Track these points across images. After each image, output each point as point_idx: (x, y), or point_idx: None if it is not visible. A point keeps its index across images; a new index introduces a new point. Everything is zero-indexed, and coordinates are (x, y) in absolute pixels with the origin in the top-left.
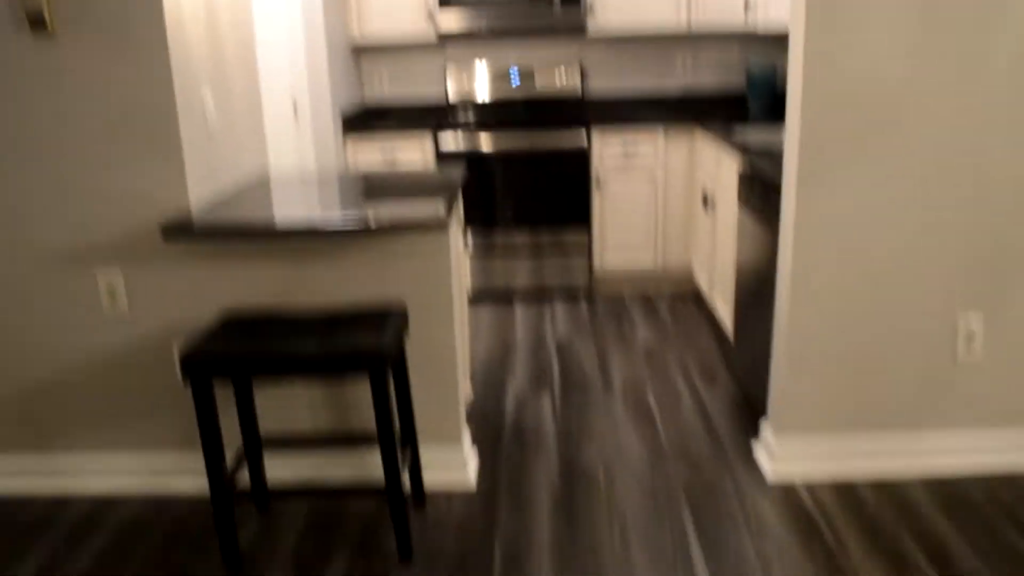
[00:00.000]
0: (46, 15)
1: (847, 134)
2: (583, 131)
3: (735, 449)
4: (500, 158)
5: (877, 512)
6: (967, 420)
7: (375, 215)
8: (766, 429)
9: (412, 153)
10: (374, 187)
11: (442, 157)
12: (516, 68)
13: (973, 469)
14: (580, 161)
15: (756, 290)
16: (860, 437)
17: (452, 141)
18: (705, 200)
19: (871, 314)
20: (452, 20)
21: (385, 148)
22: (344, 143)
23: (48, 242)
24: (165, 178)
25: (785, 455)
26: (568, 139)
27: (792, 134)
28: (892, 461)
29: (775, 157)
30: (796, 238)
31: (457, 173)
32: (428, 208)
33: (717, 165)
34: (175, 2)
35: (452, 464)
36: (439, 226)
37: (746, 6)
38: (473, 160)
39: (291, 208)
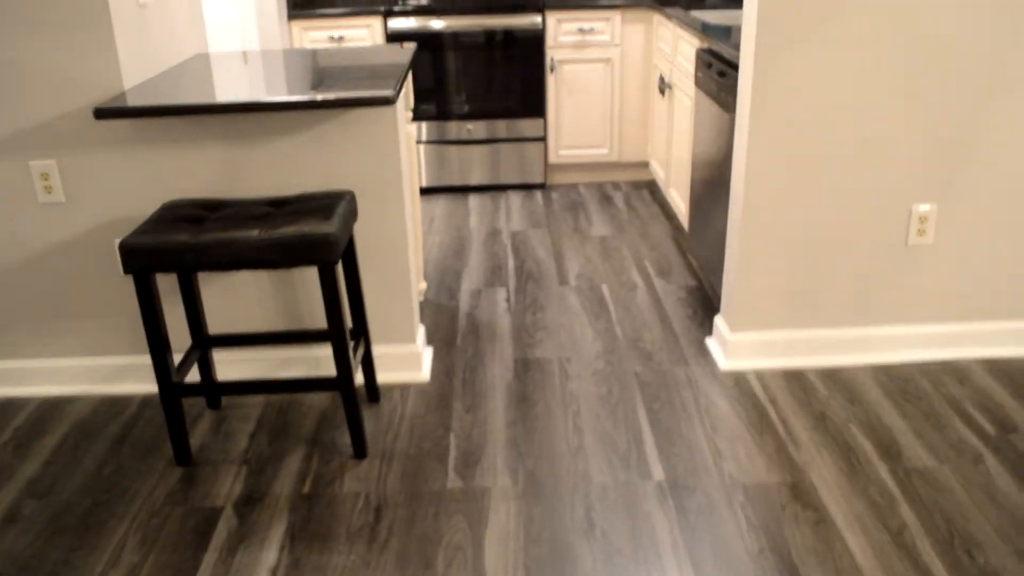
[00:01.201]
0: None
1: (806, 10)
2: (538, 15)
3: (689, 341)
4: (453, 41)
5: (827, 401)
6: (918, 315)
7: (320, 92)
8: (719, 322)
9: (361, 35)
10: (320, 65)
11: (392, 39)
12: None
13: (921, 359)
14: (534, 45)
15: (712, 179)
16: (812, 332)
17: (403, 24)
18: (662, 85)
19: (826, 204)
20: None
21: (332, 31)
22: (289, 25)
23: None
24: (96, 59)
25: (738, 347)
26: (523, 21)
27: (750, 9)
28: (843, 353)
29: (734, 37)
30: (752, 123)
31: (407, 52)
32: (376, 85)
33: (675, 48)
34: None
35: (406, 359)
36: (386, 103)
37: None
38: (425, 43)
39: (231, 88)
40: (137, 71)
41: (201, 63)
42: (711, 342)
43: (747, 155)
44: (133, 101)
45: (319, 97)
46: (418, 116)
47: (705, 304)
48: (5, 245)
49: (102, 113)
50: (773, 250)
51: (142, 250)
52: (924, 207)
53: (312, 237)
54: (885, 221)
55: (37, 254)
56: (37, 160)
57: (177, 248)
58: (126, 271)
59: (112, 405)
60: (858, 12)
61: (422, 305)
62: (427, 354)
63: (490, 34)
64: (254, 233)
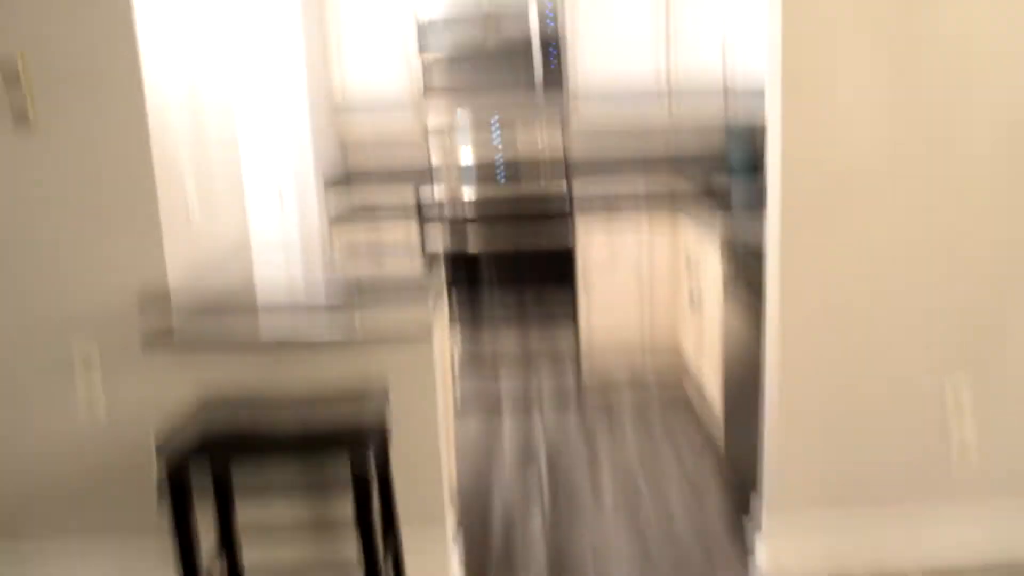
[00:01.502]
0: (29, 110)
1: (826, 203)
2: (569, 224)
3: (728, 546)
4: (487, 257)
5: None
6: (962, 493)
7: (359, 324)
8: (759, 515)
9: (397, 240)
10: (357, 288)
11: (427, 246)
12: (500, 154)
13: (972, 556)
14: (565, 259)
15: (745, 384)
16: (857, 531)
17: (438, 236)
18: (691, 292)
19: (858, 386)
20: (436, 105)
21: (371, 232)
22: (330, 228)
23: (23, 328)
24: (146, 270)
25: (778, 542)
26: (553, 232)
27: (773, 206)
28: (889, 547)
29: (758, 232)
30: (781, 313)
31: (442, 281)
32: (413, 316)
33: (700, 250)
34: (159, 105)
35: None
36: (423, 336)
37: (724, 61)
38: (459, 256)
39: (275, 310)
40: (184, 282)
41: (247, 282)
42: (752, 541)
43: (778, 344)
44: (179, 328)
45: (360, 335)
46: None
47: (743, 513)
48: (43, 439)
49: (151, 342)
50: (810, 455)
51: (179, 450)
52: (960, 384)
53: (347, 431)
54: (923, 396)
55: (72, 449)
56: (82, 371)
57: (217, 438)
58: (160, 464)
59: None
60: (873, 199)
61: (455, 528)
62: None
63: (523, 251)
64: (293, 429)
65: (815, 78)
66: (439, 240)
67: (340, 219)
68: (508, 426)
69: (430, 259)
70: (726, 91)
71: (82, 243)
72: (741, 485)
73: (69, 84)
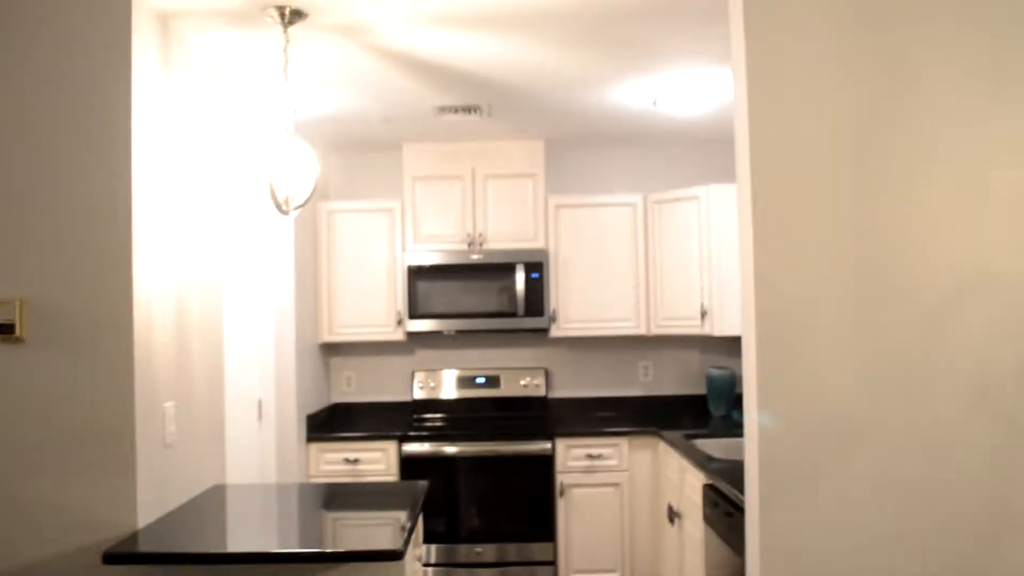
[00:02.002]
0: (16, 322)
1: (809, 457)
2: (548, 441)
3: None
4: (465, 466)
5: None
6: None
7: (330, 542)
8: None
9: (376, 457)
10: (333, 503)
11: (406, 463)
12: (483, 375)
13: None
14: (545, 470)
15: None
16: None
17: (416, 449)
18: (671, 514)
19: None
20: (421, 325)
21: (349, 453)
22: (307, 447)
23: None
24: (115, 496)
25: None
26: (533, 447)
27: (751, 461)
28: None
29: (738, 472)
30: (764, 568)
31: (419, 490)
32: (386, 535)
33: (681, 477)
34: (146, 319)
35: None
36: (394, 558)
37: (702, 313)
38: (437, 467)
39: (244, 530)
40: (154, 507)
41: (217, 497)
42: None
43: None
44: (145, 543)
45: (328, 550)
46: (427, 538)
47: None
48: None
49: (111, 559)
50: None
51: None
52: None
53: None
54: None
55: None
56: None
57: None
58: None
59: None
60: (853, 456)
61: None
62: None
63: (501, 459)
64: None
65: (789, 324)
66: (418, 447)
67: (318, 438)
68: None
69: (408, 465)
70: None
71: (49, 477)
72: None
73: (63, 320)
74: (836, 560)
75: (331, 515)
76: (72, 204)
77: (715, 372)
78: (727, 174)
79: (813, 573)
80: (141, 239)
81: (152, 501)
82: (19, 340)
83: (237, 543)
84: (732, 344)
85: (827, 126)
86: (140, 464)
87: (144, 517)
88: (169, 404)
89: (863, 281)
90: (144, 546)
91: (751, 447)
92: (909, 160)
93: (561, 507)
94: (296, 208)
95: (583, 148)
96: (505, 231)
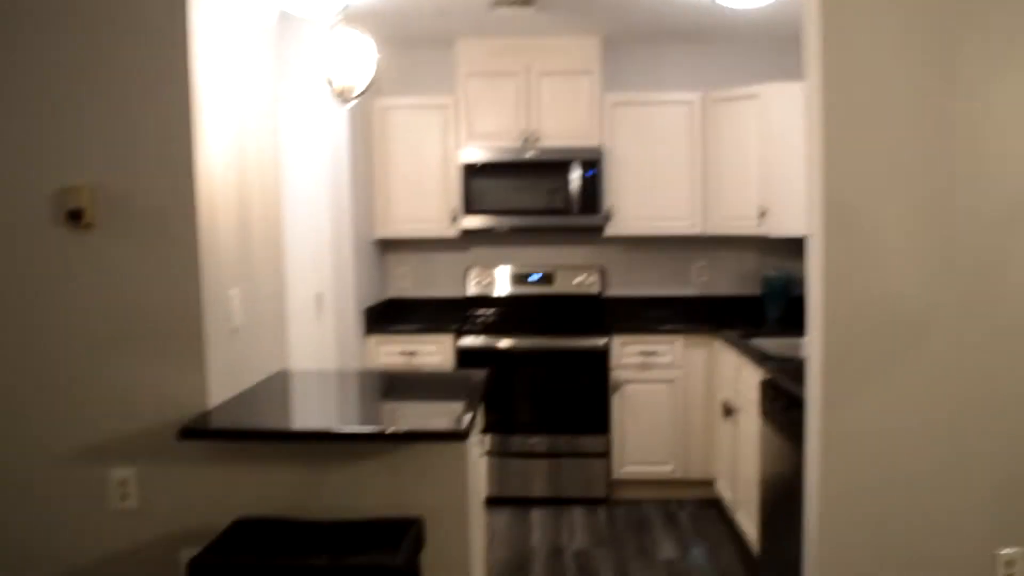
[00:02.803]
0: (86, 209)
1: (872, 353)
2: (603, 337)
3: None
4: (519, 360)
5: None
6: None
7: (392, 423)
8: None
9: (432, 350)
10: (395, 389)
11: (462, 356)
12: (537, 272)
13: None
14: (599, 366)
15: (783, 505)
16: None
17: (472, 342)
18: (726, 409)
19: (903, 540)
20: (476, 222)
21: (406, 346)
22: (365, 339)
23: (62, 435)
24: (186, 377)
25: None
26: (588, 343)
27: (814, 354)
28: None
29: (796, 370)
30: (823, 460)
31: (479, 378)
32: (448, 419)
33: (737, 374)
34: (210, 206)
35: None
36: (459, 438)
37: (760, 213)
38: (492, 361)
39: (309, 411)
40: (222, 389)
41: (282, 382)
42: None
43: (819, 492)
44: (216, 421)
45: (390, 430)
46: (483, 428)
47: None
48: (73, 546)
49: (187, 433)
50: None
51: (212, 571)
52: (1009, 551)
53: (380, 570)
54: (968, 563)
55: (102, 558)
56: (117, 468)
57: (247, 572)
58: None
59: None
60: (919, 348)
61: None
62: None
63: (556, 354)
64: (323, 561)
65: (858, 224)
66: (473, 340)
67: (376, 331)
68: (537, 527)
69: (464, 359)
70: (760, 239)
71: (123, 359)
72: None
73: (131, 206)
74: (895, 449)
75: (394, 399)
76: (136, 91)
77: (771, 273)
78: (788, 72)
79: (872, 461)
80: (204, 128)
81: (221, 383)
82: (88, 227)
83: (304, 422)
84: (789, 245)
85: (903, 17)
86: (209, 348)
87: (214, 398)
88: (234, 291)
89: (933, 183)
90: (216, 423)
91: (815, 342)
92: (987, 60)
93: (615, 402)
94: (356, 97)
95: (640, 45)
96: (560, 129)
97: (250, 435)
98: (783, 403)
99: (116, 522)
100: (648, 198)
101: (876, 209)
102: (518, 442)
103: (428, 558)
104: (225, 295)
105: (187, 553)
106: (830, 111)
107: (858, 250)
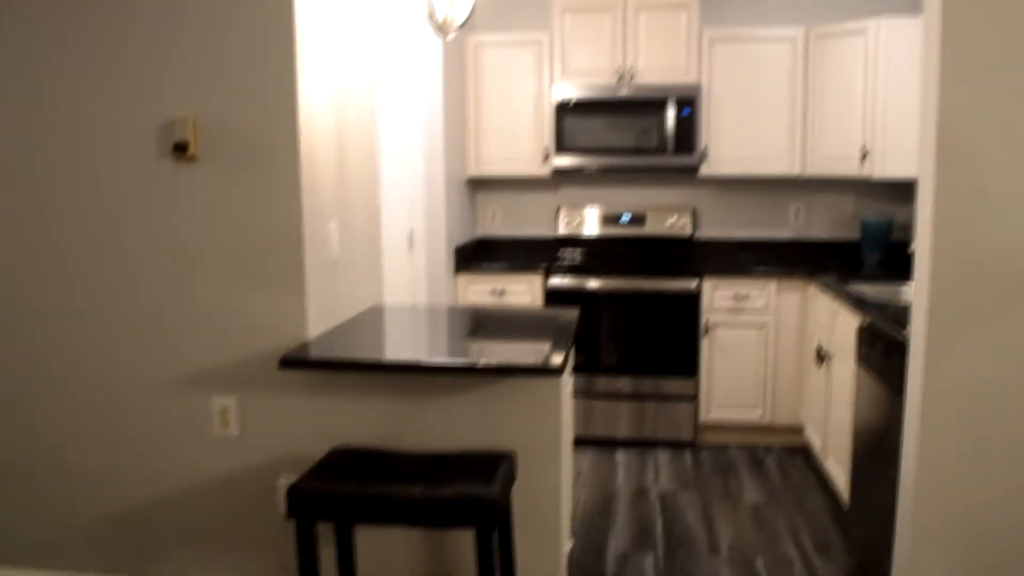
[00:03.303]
0: (191, 142)
1: (982, 301)
2: (694, 280)
3: None
4: (608, 301)
5: None
6: None
7: (486, 358)
8: None
9: (520, 289)
10: (487, 325)
11: (550, 296)
12: (628, 213)
13: None
14: (689, 309)
15: (877, 457)
16: None
17: (560, 282)
18: (819, 355)
19: (1002, 495)
20: (567, 161)
21: (495, 284)
22: (455, 277)
23: (167, 365)
24: (287, 308)
25: None
26: (678, 285)
27: (920, 299)
28: None
29: (898, 316)
30: (924, 408)
31: (572, 317)
32: (542, 354)
33: (832, 320)
34: (310, 140)
35: None
36: (553, 373)
37: (863, 154)
38: (580, 302)
39: (403, 344)
40: (320, 321)
41: (376, 316)
42: None
43: (919, 440)
44: (315, 352)
45: (482, 363)
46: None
47: None
48: (175, 471)
49: (288, 363)
50: (949, 540)
51: (310, 497)
52: None
53: (473, 500)
54: None
55: (203, 483)
56: (219, 396)
57: (343, 500)
58: (291, 515)
59: None
60: None
61: (568, 564)
62: None
63: (645, 296)
64: (417, 491)
65: (971, 166)
66: (562, 280)
67: (465, 269)
68: (621, 468)
69: (552, 298)
70: (861, 182)
71: (226, 290)
72: (863, 544)
73: (233, 139)
74: (1000, 401)
75: (488, 334)
76: (239, 26)
77: (871, 217)
78: (897, 6)
79: (975, 412)
80: (305, 62)
81: (319, 315)
82: (193, 159)
83: (402, 355)
84: (889, 189)
85: None
86: (308, 279)
87: (313, 330)
88: (332, 225)
89: None
90: (315, 354)
91: (921, 287)
92: None
93: (705, 345)
94: (456, 29)
95: None
96: (656, 65)
97: (348, 366)
98: (882, 349)
99: (217, 449)
100: (745, 138)
101: (991, 152)
102: (604, 383)
103: (519, 493)
104: (324, 228)
105: (285, 480)
106: (948, 45)
107: (970, 194)
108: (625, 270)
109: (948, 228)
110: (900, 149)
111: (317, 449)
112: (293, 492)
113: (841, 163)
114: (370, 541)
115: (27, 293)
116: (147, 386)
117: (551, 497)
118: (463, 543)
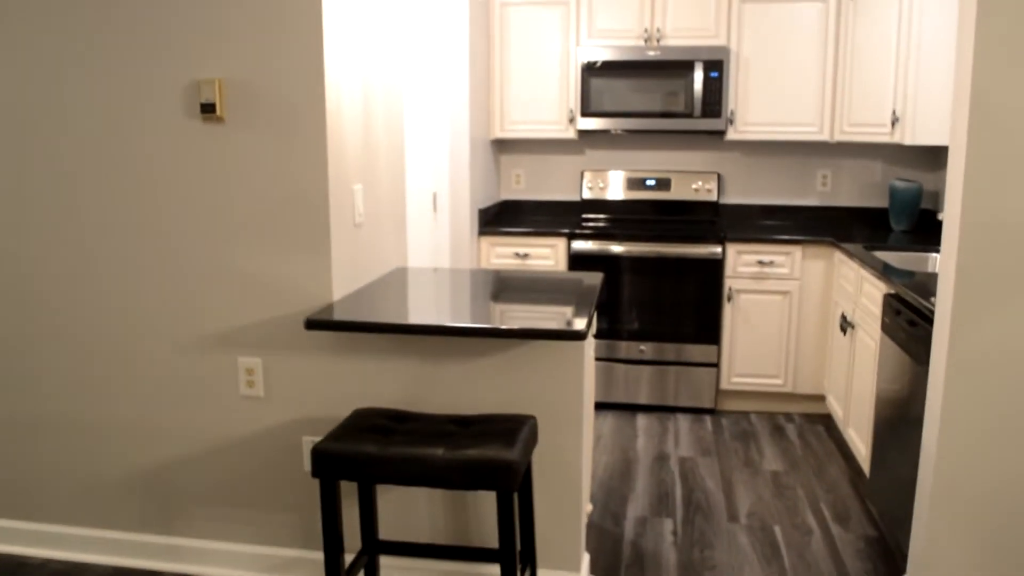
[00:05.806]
0: (217, 103)
1: (1010, 272)
2: (718, 245)
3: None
4: (631, 266)
5: None
6: None
7: (509, 321)
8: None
9: (544, 253)
10: (511, 288)
11: (574, 260)
12: (653, 176)
13: None
14: (713, 274)
15: (899, 427)
16: None
17: (584, 246)
18: (844, 323)
19: None
20: (593, 123)
21: (518, 248)
22: (478, 240)
23: (194, 324)
24: (312, 269)
25: None
26: (702, 250)
27: (947, 268)
28: None
29: (925, 285)
30: (948, 379)
31: (595, 281)
32: (565, 318)
33: (857, 288)
34: (336, 102)
35: None
36: (577, 337)
37: (893, 120)
38: (604, 266)
39: (426, 307)
40: (345, 283)
41: (400, 278)
42: None
43: (942, 412)
44: (340, 314)
45: (504, 326)
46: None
47: (887, 558)
48: (201, 431)
49: (313, 324)
50: (969, 512)
51: (334, 457)
52: None
53: (495, 462)
54: None
55: (229, 442)
56: (245, 357)
57: (367, 460)
58: (315, 475)
59: None
60: None
61: (587, 528)
62: None
63: (669, 261)
64: (439, 452)
65: (1005, 134)
66: (586, 244)
67: (489, 232)
68: (642, 433)
69: (576, 262)
70: (889, 147)
71: (252, 251)
72: (882, 515)
73: (260, 100)
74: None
75: (511, 297)
76: None
77: (900, 184)
78: None
79: (1000, 384)
80: (331, 24)
81: (344, 277)
82: (220, 119)
83: (426, 318)
84: (918, 155)
85: None
86: (334, 241)
87: (338, 291)
88: (357, 187)
89: None
90: (339, 315)
91: (948, 255)
92: None
93: (727, 312)
94: None
95: None
96: (684, 27)
97: (372, 327)
98: (907, 319)
99: (243, 408)
100: (773, 102)
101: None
102: (625, 348)
103: (539, 456)
104: (350, 190)
105: (308, 440)
106: (984, 8)
107: (1003, 161)
108: (650, 235)
109: (979, 195)
110: (932, 116)
111: (341, 410)
112: (317, 453)
113: (871, 129)
114: (393, 501)
115: (59, 254)
116: (174, 346)
117: (572, 461)
118: (484, 505)
